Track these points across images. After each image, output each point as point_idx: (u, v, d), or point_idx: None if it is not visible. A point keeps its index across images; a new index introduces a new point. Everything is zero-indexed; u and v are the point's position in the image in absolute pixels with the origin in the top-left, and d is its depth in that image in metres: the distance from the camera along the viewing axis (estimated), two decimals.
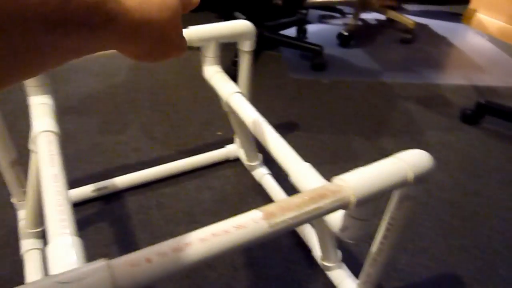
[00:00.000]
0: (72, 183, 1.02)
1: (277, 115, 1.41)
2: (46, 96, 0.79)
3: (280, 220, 0.44)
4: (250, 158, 1.08)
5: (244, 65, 0.97)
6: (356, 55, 1.90)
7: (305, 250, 0.92)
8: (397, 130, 1.38)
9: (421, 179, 0.54)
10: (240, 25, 0.92)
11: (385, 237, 0.66)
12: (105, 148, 1.19)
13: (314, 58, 1.71)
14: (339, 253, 0.85)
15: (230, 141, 1.21)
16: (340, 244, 0.93)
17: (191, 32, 0.86)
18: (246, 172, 1.13)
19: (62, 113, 1.30)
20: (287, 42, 1.74)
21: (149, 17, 0.35)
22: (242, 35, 0.92)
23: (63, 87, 1.46)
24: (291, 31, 2.06)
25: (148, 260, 0.38)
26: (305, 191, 0.47)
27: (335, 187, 0.48)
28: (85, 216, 0.97)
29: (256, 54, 1.79)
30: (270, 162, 1.14)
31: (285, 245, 0.94)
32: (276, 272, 0.88)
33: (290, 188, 1.08)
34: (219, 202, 1.04)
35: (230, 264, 0.89)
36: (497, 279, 0.90)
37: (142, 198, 1.03)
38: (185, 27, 0.71)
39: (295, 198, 0.46)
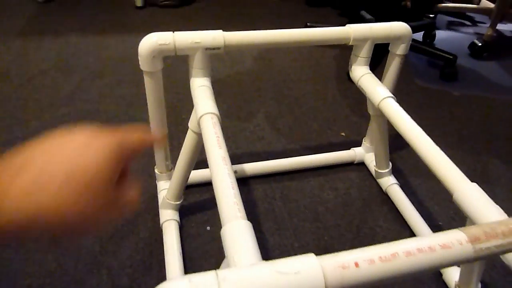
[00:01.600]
0: (202, 164, 1.07)
1: None
2: (206, 78, 0.82)
3: (485, 246, 0.41)
4: (380, 165, 1.04)
5: (393, 68, 0.94)
6: (491, 69, 1.74)
7: (435, 273, 0.87)
8: None
9: None
10: (398, 27, 0.88)
11: None
12: (232, 133, 1.23)
13: (445, 67, 1.60)
14: (479, 285, 0.78)
15: (353, 143, 1.18)
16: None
17: (349, 30, 0.84)
18: (371, 179, 1.10)
19: None
20: (417, 47, 1.65)
21: (37, 212, 0.29)
22: (398, 38, 0.89)
23: None
24: (417, 36, 1.95)
25: (357, 265, 0.37)
26: (508, 220, 0.44)
27: None
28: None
29: (381, 55, 1.72)
30: (395, 173, 1.09)
31: None
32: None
33: (417, 203, 1.03)
34: (342, 204, 1.02)
35: None
36: None
37: (267, 187, 1.05)
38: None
39: (500, 225, 0.42)
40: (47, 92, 1.36)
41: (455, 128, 1.35)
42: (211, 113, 0.72)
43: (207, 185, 1.04)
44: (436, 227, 0.96)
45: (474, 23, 2.27)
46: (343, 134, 1.26)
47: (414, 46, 1.68)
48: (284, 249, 0.90)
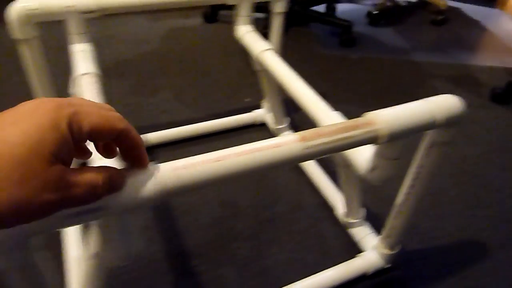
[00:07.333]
0: None
1: None
2: (85, 44, 0.82)
3: (313, 143, 0.46)
4: (277, 121, 1.09)
5: (276, 27, 0.99)
6: (386, 34, 1.88)
7: (329, 209, 0.94)
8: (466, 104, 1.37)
9: (452, 123, 0.55)
10: None
11: (412, 186, 0.67)
12: (136, 109, 1.23)
13: (343, 34, 1.70)
14: (363, 211, 0.86)
15: (258, 107, 1.23)
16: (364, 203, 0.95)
17: None
18: (271, 137, 1.15)
19: None
20: (317, 17, 1.74)
21: None
22: None
23: (98, 52, 1.50)
24: (321, 8, 2.05)
25: (193, 166, 0.40)
26: (339, 122, 0.49)
27: (367, 120, 0.49)
28: None
29: (286, 29, 1.79)
30: (297, 129, 1.16)
31: (309, 204, 0.96)
32: (299, 228, 0.90)
33: None
34: None
35: (256, 218, 0.91)
36: None
37: (170, 154, 1.06)
38: None
39: (329, 127, 0.48)
40: None
41: (352, 86, 1.45)
42: (89, 73, 0.73)
43: None
44: (332, 173, 1.04)
45: None
46: (247, 99, 1.31)
47: (314, 17, 1.78)
48: (188, 207, 0.92)
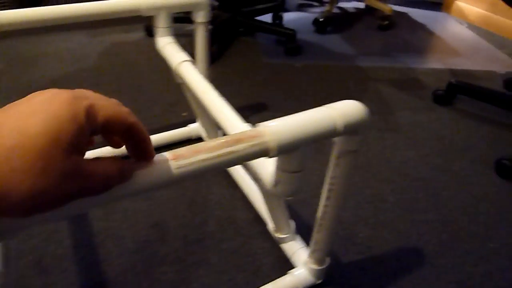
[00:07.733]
0: None
1: (246, 96, 1.39)
2: None
3: (188, 162, 0.41)
4: (210, 134, 1.05)
5: (199, 37, 0.95)
6: (332, 41, 1.88)
7: (262, 224, 0.90)
8: (368, 110, 1.36)
9: (353, 130, 0.52)
10: None
11: (328, 198, 0.63)
12: None
13: (288, 42, 1.69)
14: (292, 224, 0.82)
15: (195, 121, 1.19)
16: (294, 215, 0.91)
17: (139, 1, 0.83)
18: None
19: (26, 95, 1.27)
20: (260, 26, 1.72)
21: None
22: (195, 5, 0.90)
23: (30, 70, 1.43)
24: (268, 18, 2.04)
25: None
26: (223, 136, 0.45)
27: (254, 132, 0.46)
28: None
29: (231, 39, 1.77)
30: None
31: (241, 219, 0.91)
32: (230, 246, 0.85)
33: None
34: None
35: (184, 239, 0.86)
36: (460, 252, 0.88)
37: None
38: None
39: (210, 142, 0.44)
40: None
41: (295, 94, 1.42)
42: None
43: None
44: None
45: (322, 3, 2.44)
46: (184, 114, 1.26)
47: (258, 26, 1.76)
48: (110, 232, 0.87)
